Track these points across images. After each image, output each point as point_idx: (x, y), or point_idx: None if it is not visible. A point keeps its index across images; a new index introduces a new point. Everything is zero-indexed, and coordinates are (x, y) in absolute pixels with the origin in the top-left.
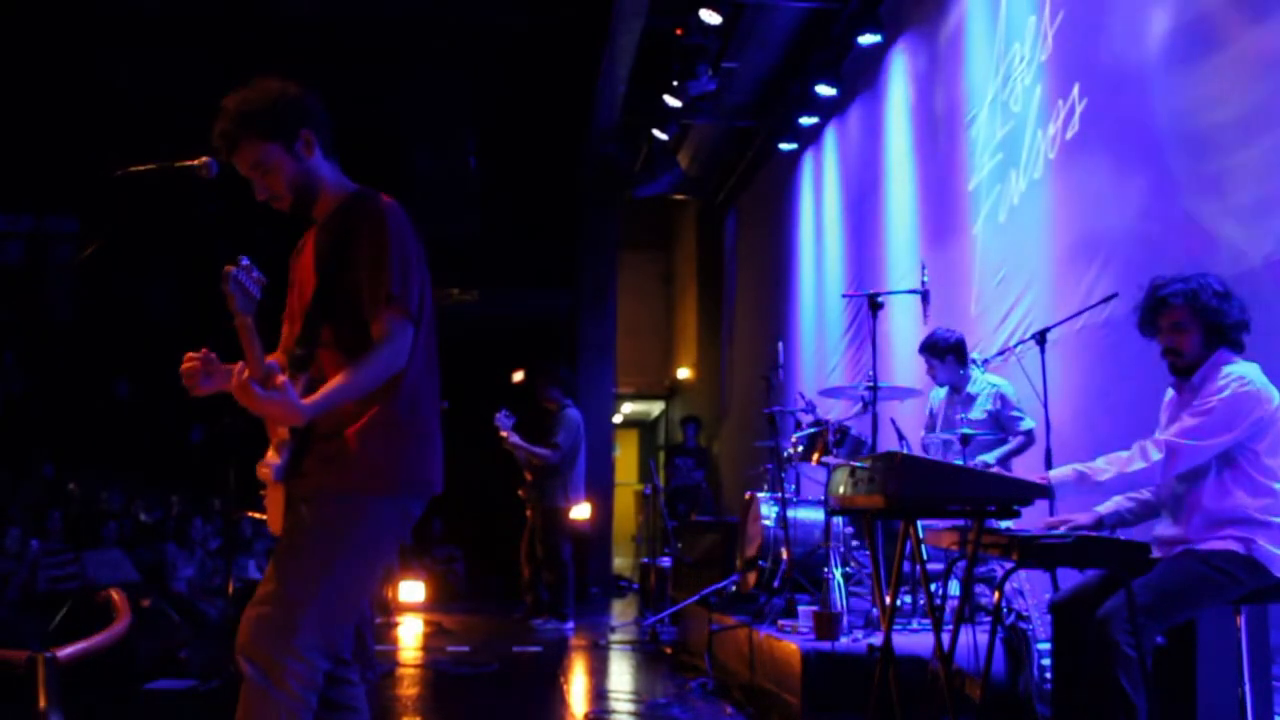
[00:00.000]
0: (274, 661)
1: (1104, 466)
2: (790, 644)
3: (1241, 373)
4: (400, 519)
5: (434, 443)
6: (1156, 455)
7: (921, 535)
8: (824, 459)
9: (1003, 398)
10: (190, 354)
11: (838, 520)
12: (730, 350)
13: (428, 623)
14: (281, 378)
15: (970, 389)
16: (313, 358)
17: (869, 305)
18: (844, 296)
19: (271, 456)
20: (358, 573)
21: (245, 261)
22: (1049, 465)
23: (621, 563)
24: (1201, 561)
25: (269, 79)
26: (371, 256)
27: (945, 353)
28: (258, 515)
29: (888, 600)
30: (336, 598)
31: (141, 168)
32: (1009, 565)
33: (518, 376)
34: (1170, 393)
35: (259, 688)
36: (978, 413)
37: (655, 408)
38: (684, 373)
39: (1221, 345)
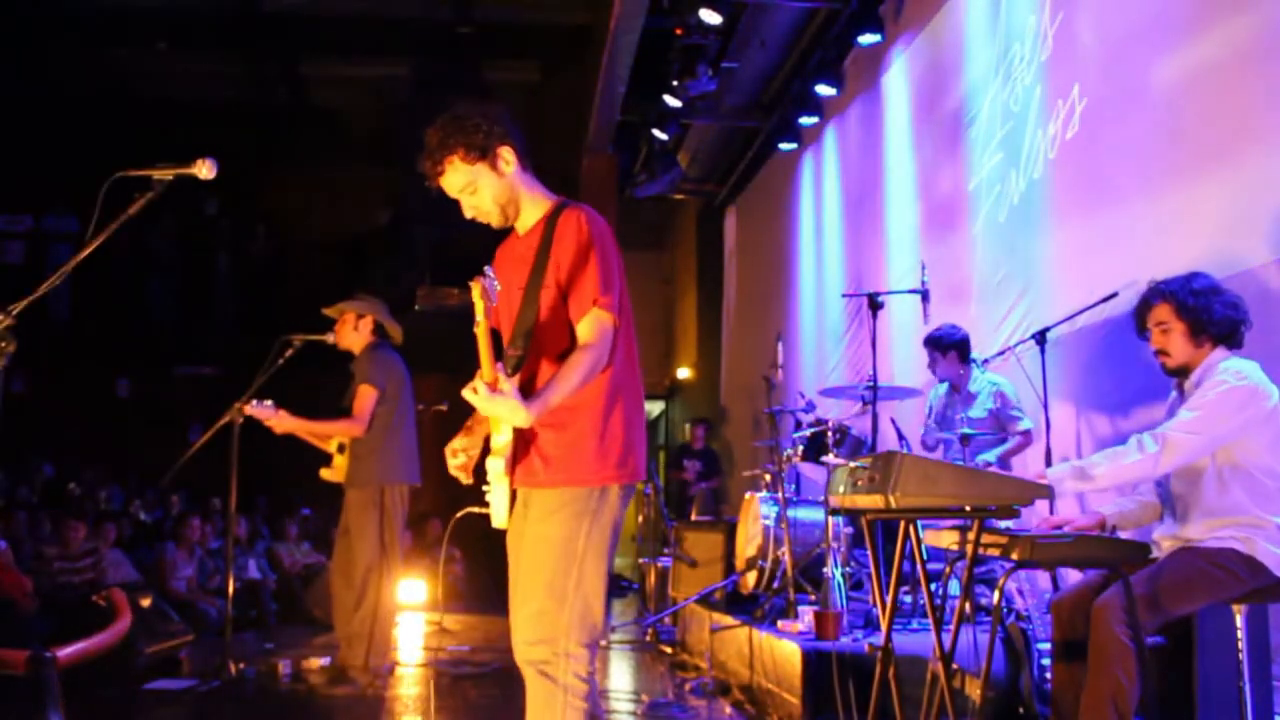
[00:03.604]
0: (555, 658)
1: (1099, 460)
2: (790, 644)
3: (1238, 368)
4: (623, 502)
5: (642, 432)
6: (1153, 447)
7: (921, 535)
8: (824, 459)
9: (1003, 396)
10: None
11: (838, 520)
12: (730, 350)
13: (428, 623)
14: (509, 382)
15: (971, 387)
16: (526, 360)
17: (869, 305)
18: (844, 296)
19: (500, 448)
20: (600, 558)
21: (490, 272)
22: (1049, 465)
23: (621, 563)
24: (1202, 558)
25: (463, 104)
26: (578, 264)
27: (949, 348)
28: (480, 510)
29: (888, 600)
30: (590, 586)
31: (142, 169)
32: (1009, 565)
33: None
34: (1173, 394)
35: (543, 685)
36: (979, 411)
37: (655, 408)
38: (684, 373)
39: (1214, 343)
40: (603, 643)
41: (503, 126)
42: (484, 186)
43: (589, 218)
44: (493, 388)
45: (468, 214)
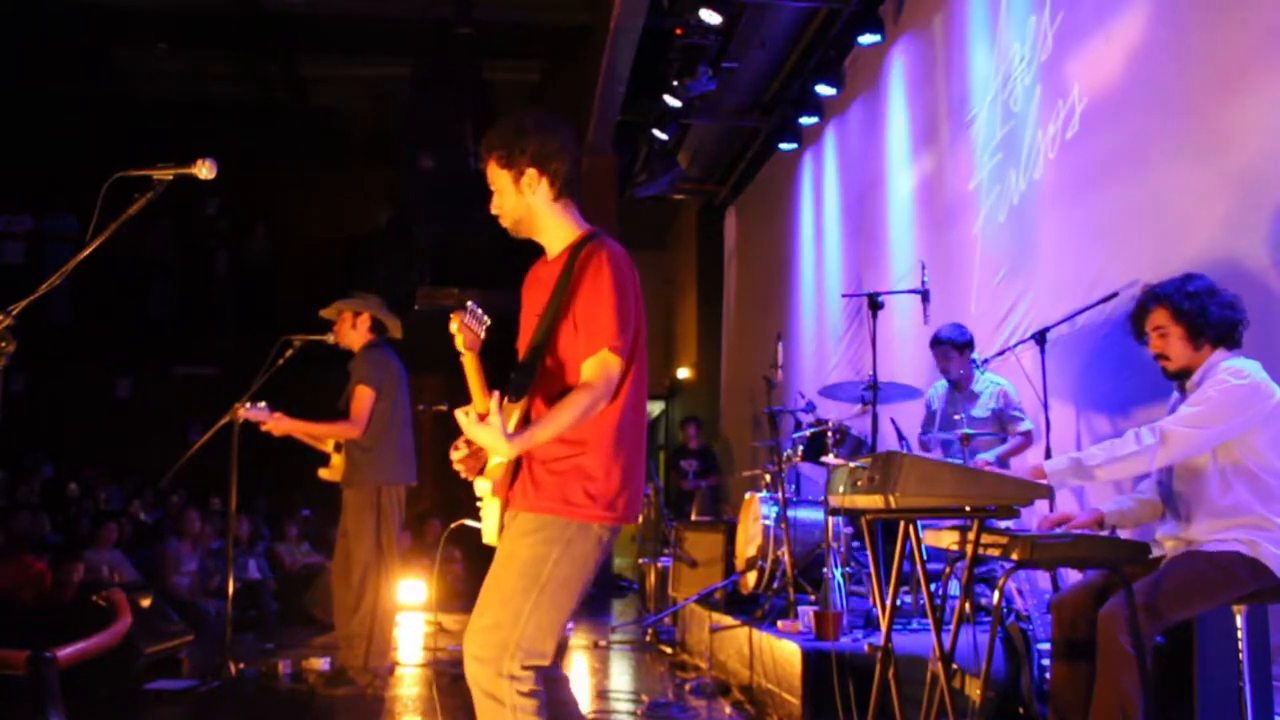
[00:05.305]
0: (498, 680)
1: (1097, 452)
2: (790, 644)
3: (1239, 367)
4: (602, 543)
5: (640, 477)
6: (1149, 439)
7: (921, 535)
8: (824, 459)
9: (1005, 395)
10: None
11: (838, 520)
12: (730, 350)
13: (427, 623)
14: (499, 413)
15: (974, 386)
16: (530, 388)
17: (869, 305)
18: (844, 296)
19: (491, 470)
20: (565, 591)
21: (472, 305)
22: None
23: (621, 563)
24: (1205, 561)
25: (535, 111)
26: (594, 300)
27: (964, 346)
28: (472, 524)
29: (888, 600)
30: (546, 615)
31: (142, 169)
32: (1009, 565)
33: None
34: (1175, 395)
35: (491, 705)
36: (982, 410)
37: (655, 408)
38: (684, 373)
39: (1213, 344)
40: (602, 643)
41: (550, 150)
42: (502, 193)
43: (611, 256)
44: (481, 416)
45: (492, 208)
